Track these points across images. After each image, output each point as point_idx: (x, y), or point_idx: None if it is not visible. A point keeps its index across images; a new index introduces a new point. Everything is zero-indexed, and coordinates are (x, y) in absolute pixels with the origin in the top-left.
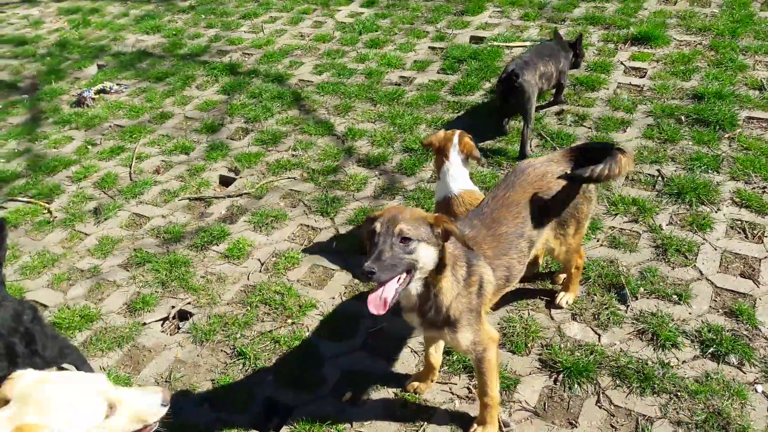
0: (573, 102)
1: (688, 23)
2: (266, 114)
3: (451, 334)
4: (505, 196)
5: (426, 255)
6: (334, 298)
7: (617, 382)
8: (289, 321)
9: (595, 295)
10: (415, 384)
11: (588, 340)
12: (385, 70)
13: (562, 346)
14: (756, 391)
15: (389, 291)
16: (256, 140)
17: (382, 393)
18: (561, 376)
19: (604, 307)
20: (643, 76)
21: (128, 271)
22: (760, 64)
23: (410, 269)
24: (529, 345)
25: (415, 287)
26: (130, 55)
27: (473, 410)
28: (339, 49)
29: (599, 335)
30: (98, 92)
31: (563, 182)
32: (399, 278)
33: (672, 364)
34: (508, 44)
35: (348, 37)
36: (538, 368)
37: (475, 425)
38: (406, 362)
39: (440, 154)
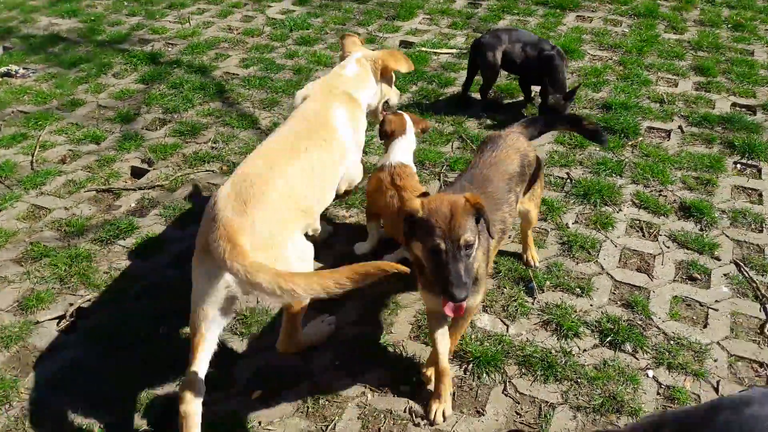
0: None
1: (601, 40)
2: (186, 105)
3: (470, 300)
4: (493, 156)
5: (479, 246)
6: None
7: (523, 370)
8: None
9: (504, 288)
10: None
11: (497, 330)
12: (315, 67)
13: (473, 336)
14: (647, 376)
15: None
16: (174, 131)
17: (295, 389)
18: (470, 366)
19: (513, 299)
20: None
21: (22, 266)
22: (662, 80)
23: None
24: None
25: None
26: (40, 39)
27: (384, 403)
28: (268, 44)
29: (507, 326)
30: (1, 75)
31: (533, 146)
32: None
33: (573, 352)
34: (435, 51)
35: (278, 33)
36: (449, 359)
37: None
38: (320, 357)
39: (393, 134)
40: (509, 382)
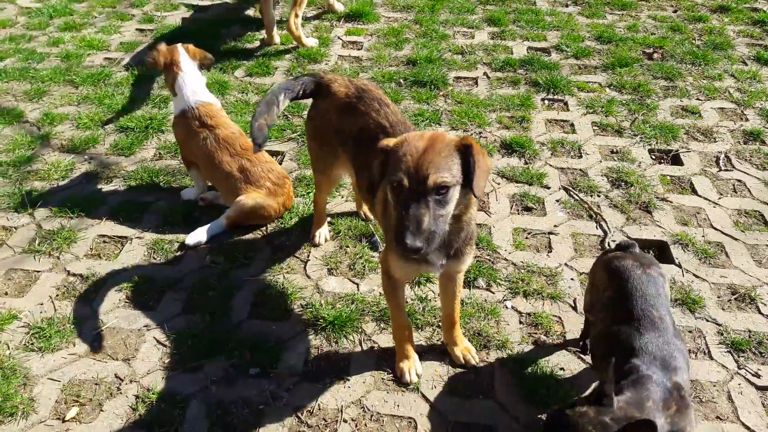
0: (298, 73)
1: (393, 2)
2: None
3: (467, 259)
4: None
5: (461, 197)
6: (42, 304)
7: (381, 325)
8: None
9: (348, 247)
10: None
11: (347, 291)
12: (86, 52)
13: (323, 302)
14: (506, 308)
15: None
16: None
17: (118, 398)
18: (326, 332)
19: (358, 257)
20: (360, 48)
21: None
22: (458, 33)
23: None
24: (288, 308)
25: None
26: None
27: (232, 393)
28: (25, 34)
29: (357, 284)
30: None
31: None
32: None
33: (429, 297)
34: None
35: (36, 21)
36: (301, 330)
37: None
38: (146, 358)
39: (169, 68)
40: (370, 339)
